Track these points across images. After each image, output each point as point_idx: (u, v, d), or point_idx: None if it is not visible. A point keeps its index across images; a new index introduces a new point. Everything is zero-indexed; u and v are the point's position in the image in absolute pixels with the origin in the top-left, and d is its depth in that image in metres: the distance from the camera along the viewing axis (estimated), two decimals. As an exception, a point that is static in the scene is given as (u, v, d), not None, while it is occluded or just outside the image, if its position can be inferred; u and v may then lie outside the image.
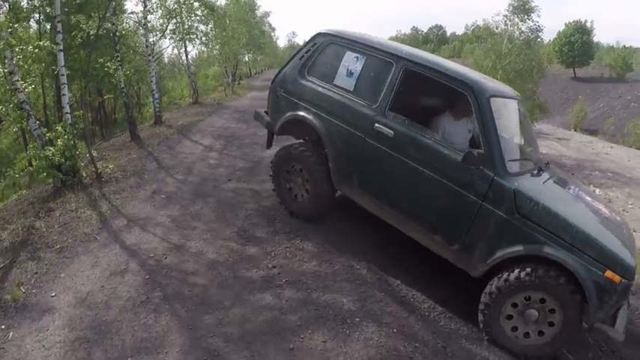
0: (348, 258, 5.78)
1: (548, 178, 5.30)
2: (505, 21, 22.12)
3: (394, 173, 5.45)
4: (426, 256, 5.57)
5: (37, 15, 18.69)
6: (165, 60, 33.52)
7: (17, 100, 7.64)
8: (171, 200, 7.24)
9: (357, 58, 5.89)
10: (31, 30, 20.06)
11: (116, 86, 14.33)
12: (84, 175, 8.26)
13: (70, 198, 7.27)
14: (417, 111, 5.81)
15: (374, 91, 5.67)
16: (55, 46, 8.02)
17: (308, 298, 4.91)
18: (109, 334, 4.19)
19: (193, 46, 21.00)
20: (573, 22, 60.64)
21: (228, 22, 25.91)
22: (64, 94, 8.33)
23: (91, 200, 7.20)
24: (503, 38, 21.61)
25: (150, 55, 14.57)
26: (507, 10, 22.08)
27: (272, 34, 60.18)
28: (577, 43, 56.68)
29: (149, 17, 14.13)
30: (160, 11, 15.08)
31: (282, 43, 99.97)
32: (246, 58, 44.98)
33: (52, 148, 7.65)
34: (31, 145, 12.22)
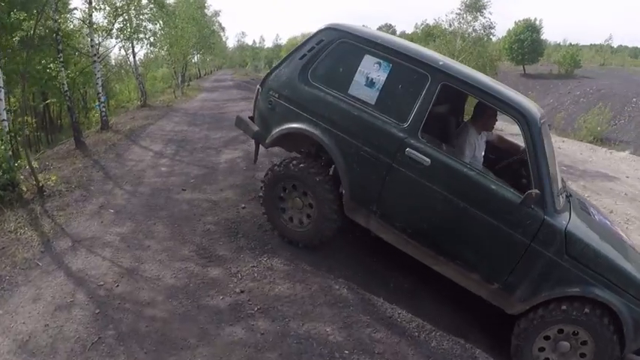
0: (324, 276, 5.22)
1: (579, 207, 5.05)
2: (458, 19, 22.18)
3: (427, 206, 4.76)
4: (405, 267, 5.23)
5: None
6: (113, 61, 32.23)
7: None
8: (121, 215, 6.53)
9: (380, 64, 4.95)
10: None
11: (60, 90, 13.35)
12: (24, 189, 7.38)
13: (9, 217, 6.43)
14: (449, 133, 5.41)
15: (403, 108, 4.82)
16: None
17: (286, 329, 4.32)
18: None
19: (141, 47, 19.96)
20: (523, 20, 61.78)
21: (177, 20, 24.98)
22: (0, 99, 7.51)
23: (32, 218, 6.41)
24: (456, 36, 21.58)
25: (95, 55, 13.58)
26: (460, 8, 22.12)
27: (222, 34, 59.07)
28: (527, 41, 57.77)
29: (95, 15, 13.23)
30: (107, 8, 14.13)
31: (231, 43, 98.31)
32: (196, 59, 43.99)
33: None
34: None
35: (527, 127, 4.41)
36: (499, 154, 5.96)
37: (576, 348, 4.37)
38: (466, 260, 4.69)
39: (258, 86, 5.80)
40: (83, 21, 13.49)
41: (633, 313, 4.17)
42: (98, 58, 13.90)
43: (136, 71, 21.44)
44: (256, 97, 5.82)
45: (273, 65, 5.83)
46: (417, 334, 4.62)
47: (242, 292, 4.80)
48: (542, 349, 4.47)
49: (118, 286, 4.79)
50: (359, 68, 5.05)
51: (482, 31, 21.69)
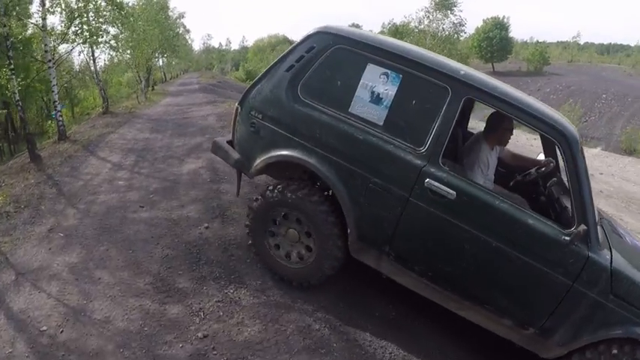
0: (300, 310, 4.54)
1: (611, 231, 4.41)
2: (428, 16, 21.87)
3: (452, 247, 4.02)
4: (388, 291, 4.72)
5: None
6: (77, 67, 30.92)
7: None
8: (71, 240, 5.78)
9: (388, 75, 4.09)
10: None
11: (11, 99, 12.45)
12: (-31, 212, 6.58)
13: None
14: (456, 148, 4.76)
15: (418, 129, 4.02)
16: None
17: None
18: None
19: (101, 51, 18.96)
20: (492, 18, 62.39)
21: (140, 23, 23.97)
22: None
23: (-26, 247, 5.62)
24: (426, 34, 21.24)
25: (50, 61, 12.63)
26: (430, 7, 21.82)
27: (187, 36, 57.82)
28: (495, 39, 58.34)
29: (50, 18, 12.31)
30: (61, 11, 13.16)
31: (197, 46, 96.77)
32: (161, 63, 42.88)
33: None
34: None
35: (569, 149, 3.76)
36: (509, 169, 5.34)
37: None
38: (497, 304, 4.05)
39: (237, 105, 4.84)
40: (36, 24, 12.52)
41: None
42: (53, 63, 12.97)
43: (97, 77, 20.37)
44: (235, 118, 4.88)
45: (254, 79, 4.80)
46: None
47: (205, 336, 4.10)
48: None
49: (62, 331, 4.11)
50: (361, 81, 4.18)
51: (452, 29, 21.39)
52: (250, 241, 4.98)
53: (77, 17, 13.60)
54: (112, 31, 17.19)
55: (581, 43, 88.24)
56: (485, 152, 4.72)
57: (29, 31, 16.44)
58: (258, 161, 4.67)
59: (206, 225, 6.13)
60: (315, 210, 4.40)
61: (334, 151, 4.25)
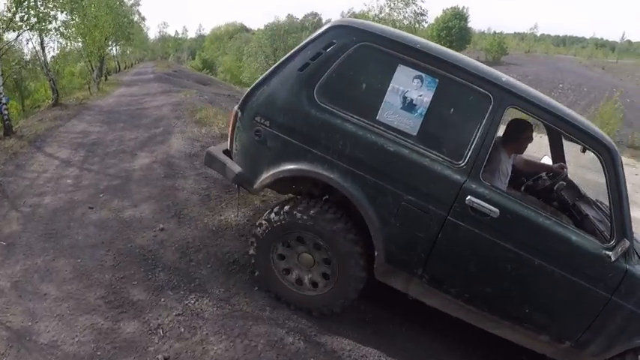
0: (270, 321, 4.09)
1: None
2: (390, 4, 21.48)
3: (493, 267, 3.75)
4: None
5: None
6: (27, 57, 29.38)
7: None
8: (14, 249, 5.18)
9: (422, 79, 3.63)
10: None
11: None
12: None
13: None
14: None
15: (457, 141, 3.67)
16: None
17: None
18: None
19: (50, 39, 17.83)
20: (451, 8, 62.78)
21: (92, 8, 22.79)
22: None
23: None
24: (387, 23, 20.88)
25: (-10, 51, 11.70)
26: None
27: (142, 24, 56.04)
28: (454, 29, 58.76)
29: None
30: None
31: (152, 34, 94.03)
32: (114, 51, 41.42)
33: None
34: None
35: (612, 163, 3.59)
36: (517, 173, 5.10)
37: None
38: (536, 322, 3.85)
39: (236, 109, 4.15)
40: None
41: None
42: (-4, 53, 12.05)
43: (46, 67, 19.25)
44: (234, 125, 4.19)
45: (256, 80, 4.09)
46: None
47: (166, 359, 3.62)
48: None
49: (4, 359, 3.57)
50: (391, 84, 3.69)
51: (413, 19, 21.11)
52: (257, 273, 4.44)
53: (24, 1, 12.64)
54: (62, 17, 16.20)
55: (538, 34, 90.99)
56: (505, 162, 4.50)
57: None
58: (265, 175, 4.07)
59: (161, 226, 5.63)
60: (334, 229, 3.91)
61: (360, 164, 3.75)
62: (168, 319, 4.05)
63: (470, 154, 3.61)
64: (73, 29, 20.70)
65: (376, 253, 3.89)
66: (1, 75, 12.18)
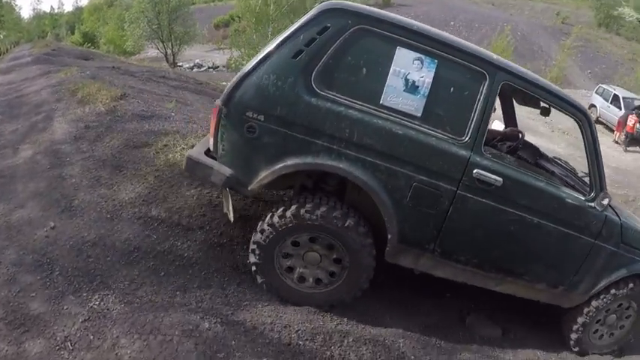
0: (182, 307, 3.67)
1: None
2: None
3: (499, 232, 4.05)
4: None
5: None
6: None
7: None
8: None
9: (422, 61, 3.63)
10: None
11: None
12: None
13: None
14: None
15: (458, 118, 3.77)
16: None
17: None
18: None
19: None
20: None
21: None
22: None
23: None
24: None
25: None
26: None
27: (13, 4, 51.66)
28: None
29: None
30: None
31: (26, 13, 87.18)
32: (-15, 38, 38.15)
33: None
34: None
35: (589, 128, 4.06)
36: None
37: (621, 316, 4.81)
38: (534, 274, 4.35)
39: (218, 104, 3.71)
40: None
41: None
42: None
43: None
44: (218, 123, 3.74)
45: (243, 71, 3.73)
46: None
47: (79, 377, 3.08)
48: (599, 321, 4.74)
49: None
50: (392, 67, 3.63)
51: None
52: (261, 280, 4.13)
53: None
54: None
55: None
56: None
57: None
58: (263, 174, 3.78)
59: (52, 224, 4.93)
60: (342, 225, 3.77)
61: (369, 151, 3.68)
62: (74, 328, 3.51)
63: (471, 130, 3.77)
64: None
65: (389, 237, 3.90)
66: None
